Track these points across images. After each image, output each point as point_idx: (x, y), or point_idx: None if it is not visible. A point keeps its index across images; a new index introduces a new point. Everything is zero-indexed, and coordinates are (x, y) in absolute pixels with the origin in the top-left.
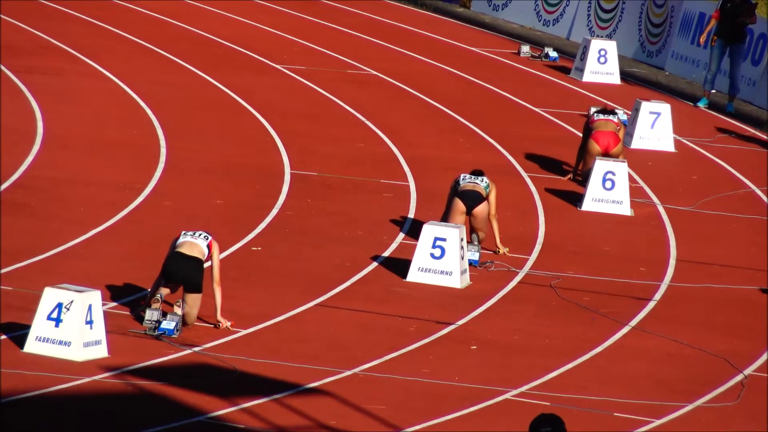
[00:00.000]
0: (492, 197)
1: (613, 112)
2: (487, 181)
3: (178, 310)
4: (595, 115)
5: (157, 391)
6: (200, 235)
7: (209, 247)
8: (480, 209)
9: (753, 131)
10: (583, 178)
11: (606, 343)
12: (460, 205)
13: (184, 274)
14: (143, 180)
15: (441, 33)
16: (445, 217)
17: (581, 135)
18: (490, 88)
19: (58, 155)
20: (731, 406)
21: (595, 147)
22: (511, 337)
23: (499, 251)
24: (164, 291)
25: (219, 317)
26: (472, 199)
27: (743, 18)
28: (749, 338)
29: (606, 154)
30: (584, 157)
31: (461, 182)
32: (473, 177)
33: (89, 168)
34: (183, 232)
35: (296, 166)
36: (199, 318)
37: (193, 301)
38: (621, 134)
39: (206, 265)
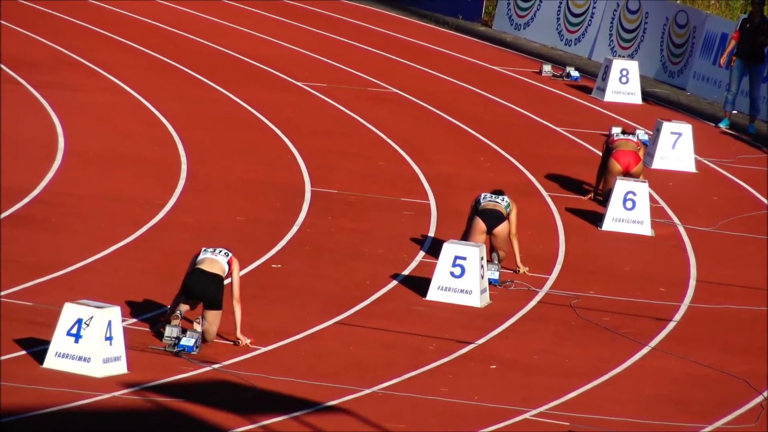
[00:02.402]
0: (512, 216)
1: (633, 133)
2: (508, 200)
3: (198, 327)
4: (616, 135)
5: (177, 407)
6: (221, 251)
7: (229, 263)
8: (500, 229)
9: None
10: (603, 198)
11: (626, 364)
12: (480, 225)
13: (204, 290)
14: (164, 196)
15: (462, 51)
16: (466, 236)
17: (601, 154)
18: (512, 106)
19: (78, 170)
20: (750, 427)
21: (615, 166)
22: (531, 356)
23: (519, 270)
24: (184, 307)
25: (239, 334)
26: (493, 218)
27: (762, 38)
28: None
29: (626, 174)
30: (605, 177)
31: (482, 201)
32: (494, 196)
33: (110, 183)
34: (203, 248)
35: (317, 183)
36: (219, 335)
37: (213, 318)
38: (641, 154)
39: (226, 281)
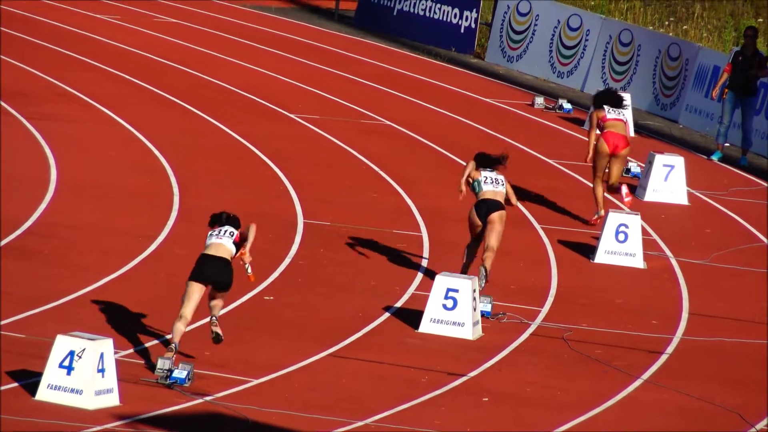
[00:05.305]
0: (509, 188)
1: (621, 103)
2: (503, 180)
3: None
4: (608, 112)
5: None
6: (225, 232)
7: (236, 242)
8: (496, 214)
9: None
10: (609, 190)
11: (618, 397)
12: (477, 221)
13: (212, 274)
14: (156, 228)
15: (455, 83)
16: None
17: (589, 126)
18: (504, 139)
19: (71, 202)
20: None
21: (604, 147)
22: (523, 389)
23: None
24: (177, 334)
25: (247, 255)
26: (491, 207)
27: (754, 71)
28: (761, 392)
29: (613, 155)
30: (595, 156)
31: (483, 186)
32: (493, 178)
33: (102, 215)
34: (209, 232)
35: (309, 215)
36: (210, 366)
37: (221, 295)
38: (630, 125)
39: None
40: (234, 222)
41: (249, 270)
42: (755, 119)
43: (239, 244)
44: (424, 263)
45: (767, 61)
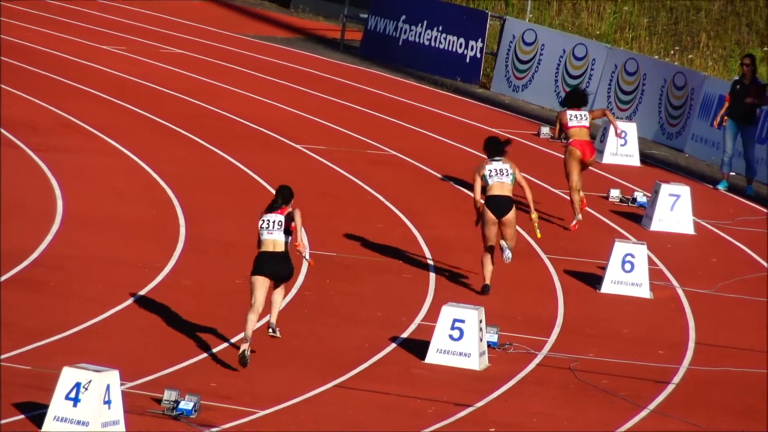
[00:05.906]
0: (519, 177)
1: (583, 100)
2: (511, 171)
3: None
4: (570, 119)
5: None
6: (275, 225)
7: (291, 230)
8: (509, 216)
9: None
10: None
11: (625, 427)
12: (491, 217)
13: (273, 272)
14: (162, 259)
15: (460, 113)
16: (481, 221)
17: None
18: None
19: (77, 234)
20: None
21: (575, 152)
22: (530, 419)
23: (532, 216)
24: (252, 321)
25: (300, 244)
26: (501, 206)
27: (751, 99)
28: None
29: (581, 162)
30: (565, 158)
31: (489, 179)
32: (498, 169)
33: (108, 247)
34: (260, 225)
35: (315, 246)
36: (216, 397)
37: (283, 286)
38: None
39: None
40: (288, 198)
41: (307, 256)
42: (759, 148)
43: (289, 228)
44: (431, 294)
45: (765, 89)
